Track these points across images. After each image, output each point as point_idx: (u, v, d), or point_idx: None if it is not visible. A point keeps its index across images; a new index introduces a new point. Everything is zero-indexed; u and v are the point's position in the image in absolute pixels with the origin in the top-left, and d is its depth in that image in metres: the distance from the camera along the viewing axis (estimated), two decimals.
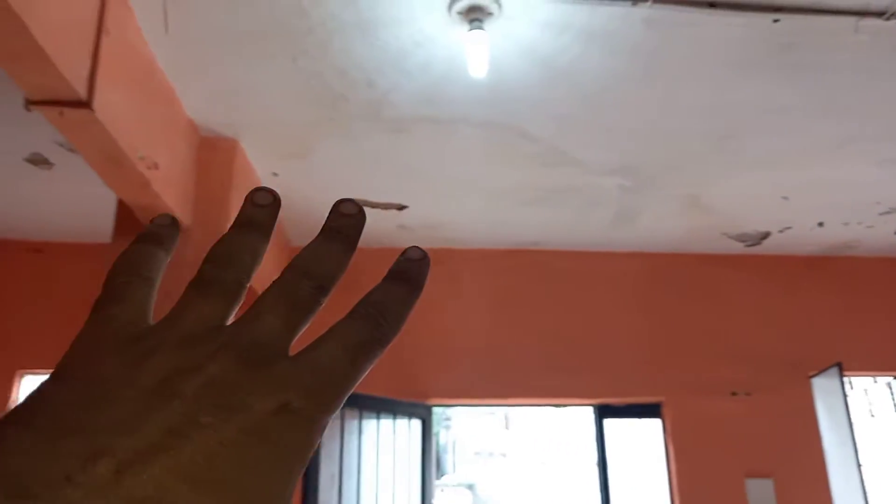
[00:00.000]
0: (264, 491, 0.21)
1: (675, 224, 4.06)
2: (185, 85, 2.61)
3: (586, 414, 4.59)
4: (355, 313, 0.27)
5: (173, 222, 0.30)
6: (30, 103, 1.89)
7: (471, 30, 2.28)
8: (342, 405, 0.25)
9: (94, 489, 0.19)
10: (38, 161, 3.25)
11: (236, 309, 0.27)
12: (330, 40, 2.38)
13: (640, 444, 4.29)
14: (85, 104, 1.89)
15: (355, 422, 3.70)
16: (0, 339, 4.07)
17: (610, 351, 4.25)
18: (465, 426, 19.75)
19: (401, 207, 3.77)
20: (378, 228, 4.06)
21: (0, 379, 4.01)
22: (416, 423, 4.13)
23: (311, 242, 0.28)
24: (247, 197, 0.29)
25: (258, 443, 0.22)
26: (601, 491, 4.20)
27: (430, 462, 4.15)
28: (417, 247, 0.30)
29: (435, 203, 3.74)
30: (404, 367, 4.14)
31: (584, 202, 3.72)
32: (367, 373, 0.26)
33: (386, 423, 3.90)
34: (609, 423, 4.27)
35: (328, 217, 0.29)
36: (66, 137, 2.06)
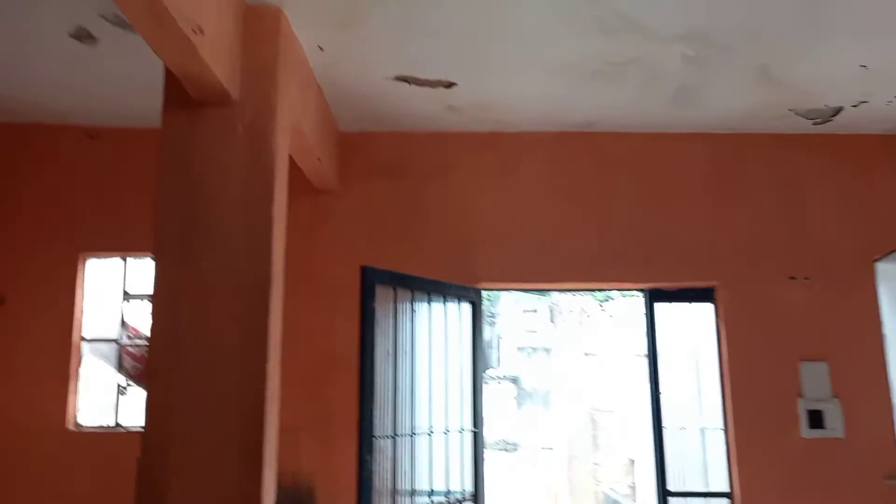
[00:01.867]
0: None
1: (740, 101, 3.83)
2: None
3: (635, 303, 4.56)
4: None
5: None
6: None
7: None
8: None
9: None
10: (82, 36, 3.19)
11: None
12: None
13: (692, 329, 4.26)
14: None
15: (408, 303, 3.75)
16: (63, 223, 4.19)
17: (664, 235, 4.15)
18: (510, 322, 20.14)
19: (449, 85, 3.62)
20: (426, 109, 3.95)
21: (65, 262, 4.17)
22: (467, 307, 4.16)
23: None
24: None
25: None
26: (650, 376, 4.22)
27: (480, 344, 4.22)
28: None
29: (487, 80, 3.59)
30: (455, 250, 4.14)
31: (644, 76, 3.51)
32: None
33: (437, 305, 3.94)
34: (660, 308, 4.23)
35: None
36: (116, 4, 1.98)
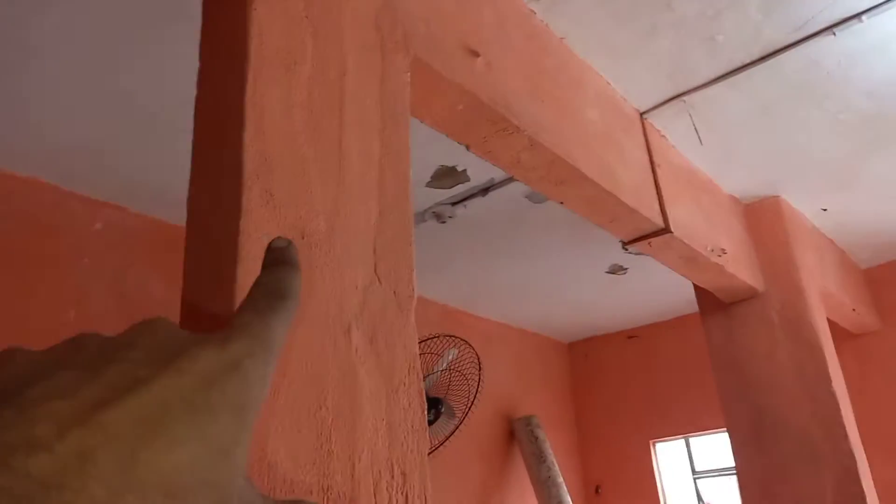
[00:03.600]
0: (222, 432, 0.23)
1: None
2: (720, 172, 2.91)
3: None
4: (264, 292, 0.31)
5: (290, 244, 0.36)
6: (626, 244, 2.44)
7: None
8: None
9: (41, 454, 0.19)
10: (616, 270, 3.98)
11: None
12: (847, 76, 2.36)
13: None
14: (665, 230, 2.34)
15: None
16: (634, 414, 4.90)
17: None
18: None
19: None
20: None
21: (639, 449, 4.81)
22: None
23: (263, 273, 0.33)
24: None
25: (209, 390, 0.23)
26: None
27: None
28: (280, 237, 0.35)
29: None
30: None
31: None
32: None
33: None
34: None
35: (266, 255, 0.34)
36: (653, 256, 2.55)
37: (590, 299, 4.44)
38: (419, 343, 3.10)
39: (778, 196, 3.12)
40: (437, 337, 3.20)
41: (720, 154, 2.80)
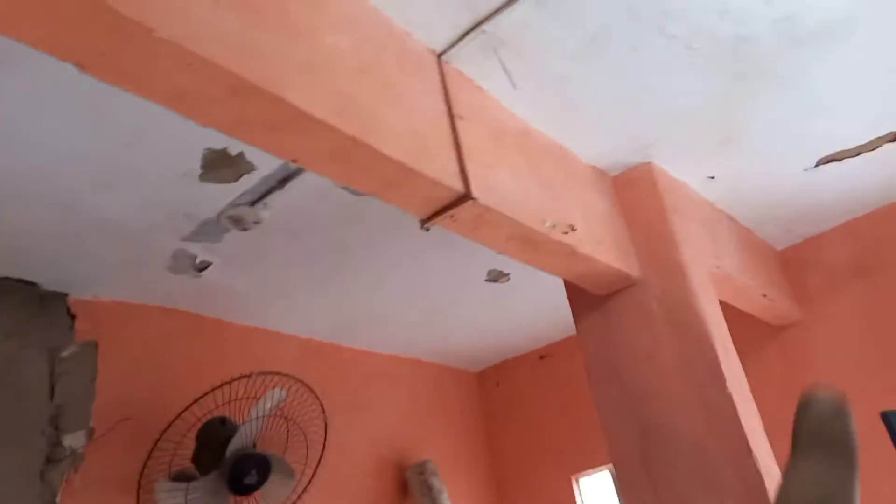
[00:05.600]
0: None
1: None
2: (570, 135, 2.36)
3: None
4: None
5: None
6: (424, 222, 1.85)
7: None
8: None
9: None
10: (497, 277, 3.38)
11: None
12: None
13: None
14: (465, 197, 1.76)
15: None
16: (553, 447, 4.23)
17: None
18: None
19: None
20: (873, 182, 3.03)
21: (561, 487, 4.14)
22: None
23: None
24: None
25: None
26: None
27: None
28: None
29: None
30: None
31: None
32: None
33: None
34: None
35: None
36: (470, 237, 1.96)
37: (477, 316, 3.83)
38: (224, 385, 2.38)
39: (650, 162, 2.58)
40: (250, 376, 2.52)
41: (560, 112, 2.25)
